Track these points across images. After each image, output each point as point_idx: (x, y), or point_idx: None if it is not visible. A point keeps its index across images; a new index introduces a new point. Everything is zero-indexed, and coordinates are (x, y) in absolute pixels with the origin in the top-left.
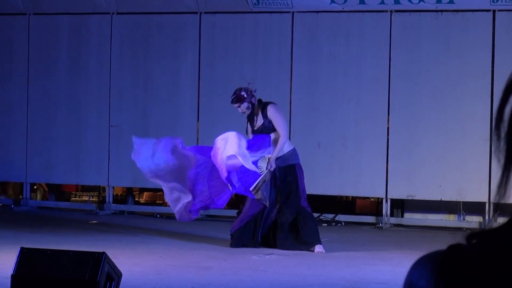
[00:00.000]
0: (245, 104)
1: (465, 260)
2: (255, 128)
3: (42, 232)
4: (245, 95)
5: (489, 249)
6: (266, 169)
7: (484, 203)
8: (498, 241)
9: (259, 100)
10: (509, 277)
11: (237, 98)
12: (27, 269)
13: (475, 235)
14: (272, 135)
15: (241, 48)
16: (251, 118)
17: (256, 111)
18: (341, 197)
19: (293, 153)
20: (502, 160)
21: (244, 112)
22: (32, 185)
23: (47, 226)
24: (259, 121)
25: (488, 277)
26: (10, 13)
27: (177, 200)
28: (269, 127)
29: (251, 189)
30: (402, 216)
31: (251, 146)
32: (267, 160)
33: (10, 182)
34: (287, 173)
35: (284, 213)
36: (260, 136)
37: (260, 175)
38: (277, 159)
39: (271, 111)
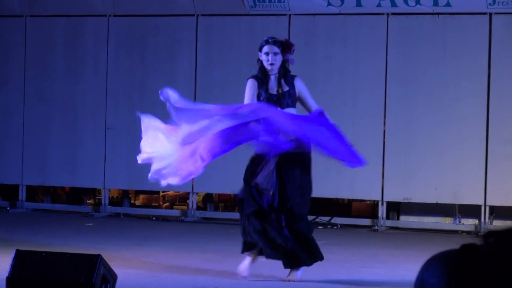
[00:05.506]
0: (281, 57)
1: (478, 259)
2: (273, 93)
3: (38, 234)
4: (293, 48)
5: (505, 249)
6: None
7: (480, 206)
8: None
9: (287, 67)
10: None
11: (285, 44)
12: (22, 271)
13: (493, 234)
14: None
15: (238, 50)
16: (263, 80)
17: (277, 75)
18: (337, 199)
19: None
20: None
21: (271, 64)
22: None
23: (42, 228)
24: (282, 87)
25: (502, 277)
26: (7, 15)
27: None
28: (292, 98)
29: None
30: (398, 218)
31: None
32: None
33: None
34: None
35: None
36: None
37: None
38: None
39: (301, 83)
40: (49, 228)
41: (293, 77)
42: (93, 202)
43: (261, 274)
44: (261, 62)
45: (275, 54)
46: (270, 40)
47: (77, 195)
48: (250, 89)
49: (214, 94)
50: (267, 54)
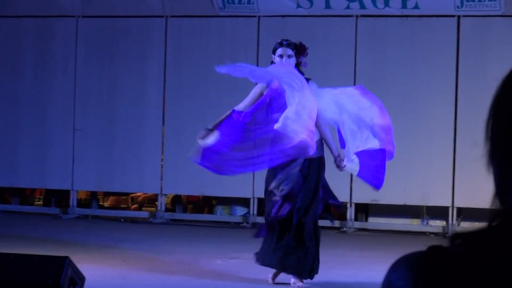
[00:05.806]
0: (294, 59)
1: (445, 261)
2: None
3: (5, 236)
4: (307, 51)
5: (471, 251)
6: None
7: (447, 208)
8: (482, 243)
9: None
10: (490, 279)
11: (299, 47)
12: None
13: (460, 236)
14: None
15: (207, 52)
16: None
17: None
18: None
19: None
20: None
21: None
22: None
23: (10, 230)
24: None
25: (469, 279)
26: None
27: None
28: None
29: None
30: (366, 220)
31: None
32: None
33: None
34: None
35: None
36: None
37: None
38: None
39: (314, 87)
40: (16, 230)
41: (307, 80)
42: (61, 203)
43: (231, 275)
44: None
45: (289, 56)
46: (284, 43)
47: (48, 198)
48: (255, 89)
49: (183, 95)
50: (281, 56)
